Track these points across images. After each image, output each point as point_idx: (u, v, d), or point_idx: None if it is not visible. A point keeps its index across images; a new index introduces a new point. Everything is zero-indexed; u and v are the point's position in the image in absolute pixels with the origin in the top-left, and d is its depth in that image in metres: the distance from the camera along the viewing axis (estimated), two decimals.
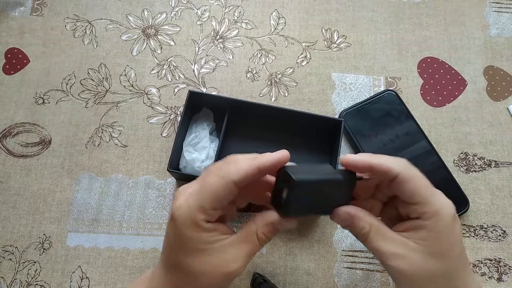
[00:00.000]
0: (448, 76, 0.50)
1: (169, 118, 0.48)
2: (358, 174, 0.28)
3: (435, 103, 0.49)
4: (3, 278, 0.42)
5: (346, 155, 0.27)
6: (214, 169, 0.27)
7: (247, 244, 0.28)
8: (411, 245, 0.26)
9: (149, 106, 0.48)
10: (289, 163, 0.28)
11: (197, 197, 0.27)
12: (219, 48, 0.51)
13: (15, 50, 0.50)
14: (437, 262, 0.25)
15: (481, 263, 0.43)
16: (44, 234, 0.43)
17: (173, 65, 0.50)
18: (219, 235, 0.28)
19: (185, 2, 0.53)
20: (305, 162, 0.45)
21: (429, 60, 0.51)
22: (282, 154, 0.27)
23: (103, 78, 0.49)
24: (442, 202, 0.27)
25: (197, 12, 0.52)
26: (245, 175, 0.26)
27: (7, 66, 0.50)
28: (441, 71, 0.50)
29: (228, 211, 0.29)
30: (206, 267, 0.27)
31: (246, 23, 0.52)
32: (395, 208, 0.29)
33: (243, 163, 0.27)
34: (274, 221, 0.28)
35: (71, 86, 0.49)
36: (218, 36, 0.51)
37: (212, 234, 0.27)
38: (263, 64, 0.50)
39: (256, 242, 0.28)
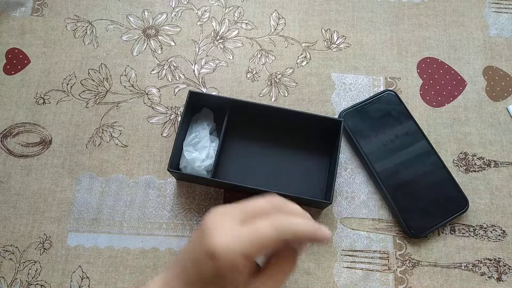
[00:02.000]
0: (447, 76, 0.50)
1: (170, 118, 0.48)
2: None
3: (434, 103, 0.49)
4: (3, 278, 0.42)
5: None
6: (271, 218, 0.27)
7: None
8: None
9: (150, 106, 0.48)
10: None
11: (246, 243, 0.26)
12: (219, 49, 0.51)
13: (16, 50, 0.50)
14: None
15: (481, 263, 0.43)
16: (44, 234, 0.44)
17: (174, 66, 0.50)
18: (249, 276, 0.27)
19: (185, 2, 0.53)
20: (305, 163, 0.46)
21: (428, 60, 0.51)
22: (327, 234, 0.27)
23: (103, 78, 0.49)
24: None
25: (197, 13, 0.53)
26: (298, 237, 0.26)
27: (8, 66, 0.50)
28: (441, 71, 0.50)
29: None
30: None
31: (246, 23, 0.52)
32: None
33: (302, 223, 0.27)
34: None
35: (71, 86, 0.49)
36: (218, 37, 0.51)
37: (245, 276, 0.27)
38: (263, 64, 0.50)
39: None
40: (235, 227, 0.26)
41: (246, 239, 0.26)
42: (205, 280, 0.26)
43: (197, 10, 0.53)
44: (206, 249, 0.26)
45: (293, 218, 0.27)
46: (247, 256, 0.26)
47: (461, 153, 0.47)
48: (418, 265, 0.43)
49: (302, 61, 0.50)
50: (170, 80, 0.49)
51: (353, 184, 0.46)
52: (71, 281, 0.42)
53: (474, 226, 0.44)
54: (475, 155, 0.47)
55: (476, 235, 0.44)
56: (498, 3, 0.53)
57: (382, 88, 0.49)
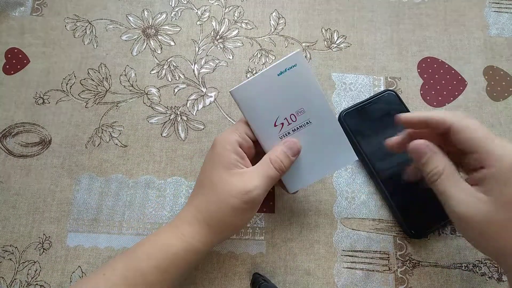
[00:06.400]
0: (448, 76, 0.50)
1: (169, 118, 0.48)
2: None
3: (435, 103, 0.49)
4: (3, 278, 0.42)
5: (401, 115, 0.34)
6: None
7: (262, 167, 0.34)
8: (481, 196, 0.26)
9: (149, 106, 0.48)
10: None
11: (232, 127, 0.35)
12: (219, 48, 0.51)
13: (15, 50, 0.50)
14: (508, 211, 0.26)
15: (481, 263, 0.43)
16: (44, 234, 0.43)
17: (173, 65, 0.50)
18: (243, 164, 0.34)
19: (185, 2, 0.53)
20: None
21: (429, 60, 0.51)
22: None
23: (103, 78, 0.49)
24: (505, 149, 0.27)
25: (197, 12, 0.52)
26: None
27: (7, 66, 0.50)
28: (441, 71, 0.50)
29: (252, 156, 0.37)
30: (226, 186, 0.32)
31: (246, 23, 0.52)
32: (460, 160, 0.30)
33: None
34: (284, 149, 0.35)
35: (71, 86, 0.49)
36: (218, 36, 0.51)
37: (239, 159, 0.34)
38: (263, 64, 0.50)
39: (270, 165, 0.34)
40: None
41: (233, 126, 0.35)
42: (205, 165, 0.35)
43: (197, 9, 0.53)
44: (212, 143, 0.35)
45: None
46: (237, 131, 0.34)
47: None
48: (418, 265, 0.43)
49: None
50: (170, 80, 0.49)
51: (353, 184, 0.45)
52: (71, 281, 0.42)
53: None
54: None
55: None
56: (498, 3, 0.53)
57: (382, 88, 0.49)
